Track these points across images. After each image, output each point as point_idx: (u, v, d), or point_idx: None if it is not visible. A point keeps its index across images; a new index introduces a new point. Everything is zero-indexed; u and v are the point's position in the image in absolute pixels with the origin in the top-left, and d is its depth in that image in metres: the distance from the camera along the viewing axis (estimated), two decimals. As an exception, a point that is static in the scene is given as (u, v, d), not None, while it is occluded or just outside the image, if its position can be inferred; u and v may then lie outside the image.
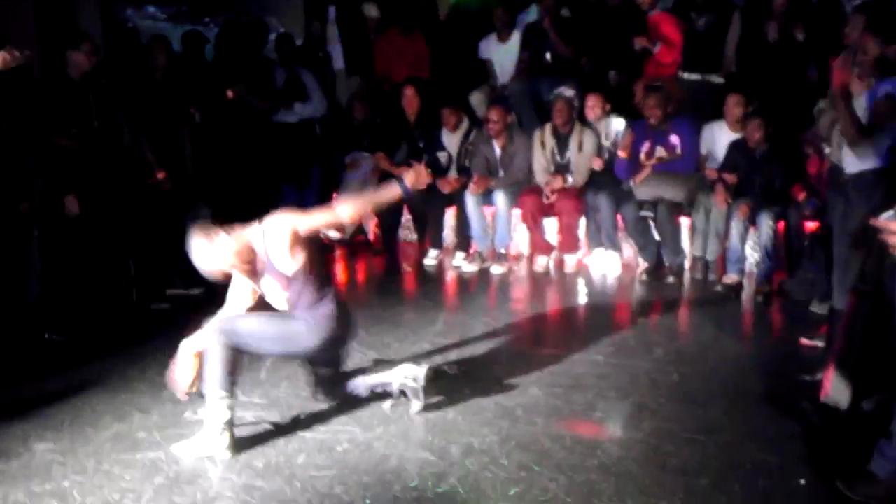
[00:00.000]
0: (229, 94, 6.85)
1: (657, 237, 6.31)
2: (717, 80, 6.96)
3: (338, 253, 7.36)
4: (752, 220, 5.85)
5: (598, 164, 6.53)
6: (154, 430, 3.63)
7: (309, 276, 3.50)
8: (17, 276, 4.94)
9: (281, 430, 3.59)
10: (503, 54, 7.67)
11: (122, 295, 5.80)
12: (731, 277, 5.91)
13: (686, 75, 7.02)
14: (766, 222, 5.74)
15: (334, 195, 7.61)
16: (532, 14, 7.70)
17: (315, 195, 7.63)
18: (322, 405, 3.82)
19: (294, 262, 3.45)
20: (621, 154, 6.41)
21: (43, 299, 5.07)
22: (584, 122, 6.69)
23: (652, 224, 6.28)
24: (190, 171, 6.49)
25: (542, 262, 6.59)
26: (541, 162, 6.73)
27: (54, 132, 5.21)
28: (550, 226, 6.74)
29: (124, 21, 8.37)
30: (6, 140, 4.76)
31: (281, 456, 3.35)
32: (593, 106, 6.66)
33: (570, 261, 6.60)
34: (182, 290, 5.87)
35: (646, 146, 6.38)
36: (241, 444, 3.40)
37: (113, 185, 5.55)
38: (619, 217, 6.48)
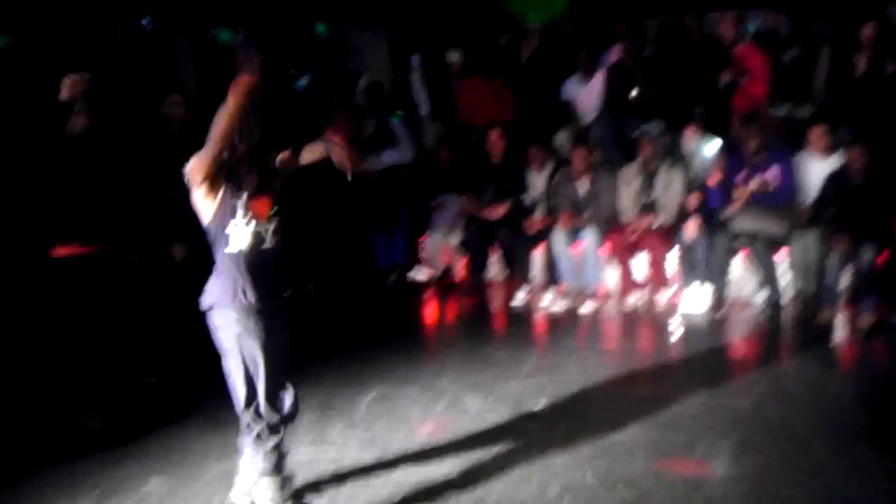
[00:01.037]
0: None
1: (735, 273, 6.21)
2: (803, 114, 6.84)
3: (427, 294, 7.45)
4: (852, 253, 5.69)
5: (693, 203, 6.45)
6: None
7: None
8: (124, 324, 5.16)
9: (380, 468, 3.64)
10: (586, 94, 7.72)
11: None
12: (828, 313, 5.74)
13: (773, 109, 6.93)
14: (867, 254, 5.57)
15: (422, 239, 7.76)
16: (615, 53, 7.74)
17: (403, 239, 7.79)
18: (419, 442, 3.87)
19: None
20: (713, 182, 6.33)
21: (148, 344, 5.29)
22: (672, 160, 6.66)
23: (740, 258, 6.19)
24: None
25: (631, 300, 6.53)
26: (626, 201, 6.71)
27: (162, 182, 5.45)
28: (640, 262, 6.69)
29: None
30: (115, 190, 5.00)
31: (378, 497, 3.40)
32: (691, 138, 6.63)
33: (661, 297, 6.53)
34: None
35: (742, 175, 6.28)
36: (339, 483, 3.46)
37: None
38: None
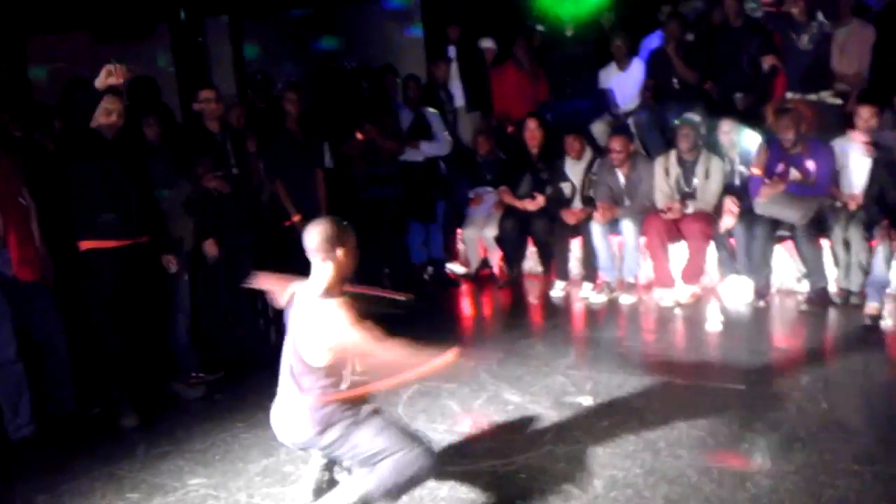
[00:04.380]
0: (359, 136, 7.08)
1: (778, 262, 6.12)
2: (834, 100, 6.71)
3: (463, 287, 7.44)
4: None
5: (732, 198, 6.33)
6: (300, 464, 3.74)
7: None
8: (166, 319, 5.22)
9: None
10: (623, 83, 7.64)
11: (262, 334, 6.03)
12: (873, 306, 5.58)
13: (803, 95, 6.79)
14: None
15: (458, 230, 7.74)
16: (656, 40, 7.64)
17: (440, 230, 7.77)
18: (460, 436, 3.85)
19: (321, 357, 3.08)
20: (756, 172, 6.22)
21: (191, 340, 5.33)
22: (712, 149, 6.55)
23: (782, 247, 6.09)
24: (323, 214, 6.72)
25: (666, 294, 6.42)
26: (663, 189, 6.62)
27: (203, 176, 5.48)
28: (678, 252, 6.59)
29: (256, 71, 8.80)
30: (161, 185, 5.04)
31: (424, 489, 3.38)
32: (728, 131, 6.50)
33: (701, 288, 6.44)
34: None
35: (780, 168, 6.17)
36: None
37: (252, 230, 5.79)
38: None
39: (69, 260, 4.67)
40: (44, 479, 3.84)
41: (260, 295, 5.98)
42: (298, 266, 5.95)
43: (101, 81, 4.13)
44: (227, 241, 5.56)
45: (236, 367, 5.36)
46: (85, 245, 4.54)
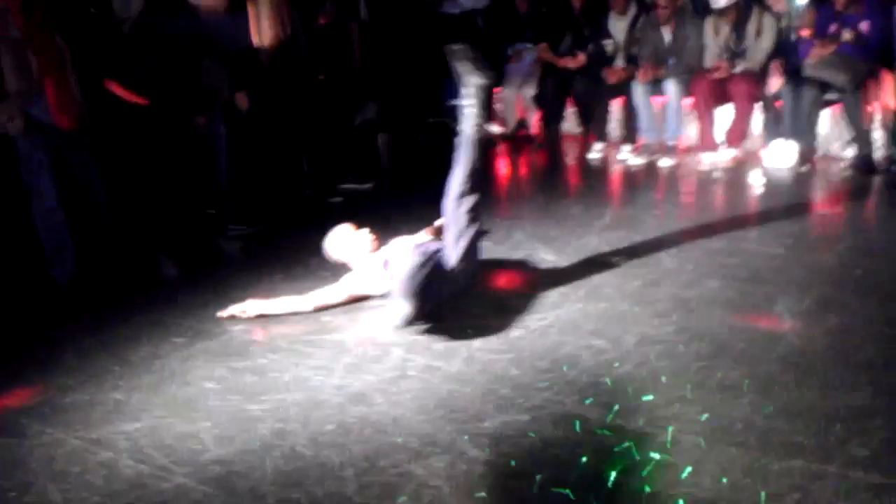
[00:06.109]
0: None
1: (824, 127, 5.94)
2: None
3: (500, 147, 7.37)
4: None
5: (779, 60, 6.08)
6: (340, 314, 3.84)
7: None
8: (206, 172, 5.26)
9: (455, 316, 3.70)
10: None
11: (297, 189, 6.07)
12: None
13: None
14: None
15: (496, 89, 7.59)
16: None
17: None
18: (494, 294, 3.91)
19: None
20: (804, 33, 5.97)
21: (228, 194, 5.39)
22: (764, 6, 6.26)
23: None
24: (358, 68, 6.61)
25: (709, 157, 6.31)
26: (712, 49, 6.39)
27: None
28: (724, 115, 6.43)
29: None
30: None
31: (458, 340, 3.47)
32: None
33: (745, 151, 6.32)
34: (354, 184, 6.08)
35: (832, 28, 5.91)
36: (418, 328, 3.54)
37: (287, 85, 5.73)
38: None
39: (106, 107, 4.69)
40: (90, 323, 3.98)
41: (300, 150, 6.05)
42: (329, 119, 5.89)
43: None
44: (261, 93, 5.51)
45: (275, 221, 5.44)
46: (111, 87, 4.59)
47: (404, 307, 3.40)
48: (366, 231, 4.05)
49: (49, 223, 4.42)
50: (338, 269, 4.10)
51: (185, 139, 4.97)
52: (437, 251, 3.78)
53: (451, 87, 7.55)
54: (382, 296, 3.80)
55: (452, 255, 3.79)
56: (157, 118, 4.72)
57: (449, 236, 3.83)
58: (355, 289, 3.93)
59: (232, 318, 3.83)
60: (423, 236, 4.10)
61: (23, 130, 4.23)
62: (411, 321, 3.44)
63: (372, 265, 3.89)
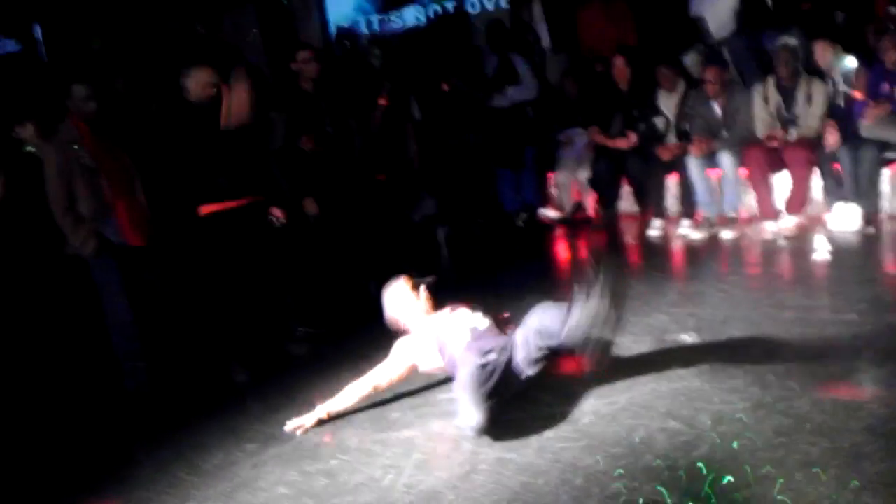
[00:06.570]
0: (444, 87, 7.05)
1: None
2: None
3: (558, 231, 7.38)
4: None
5: (833, 124, 6.03)
6: (407, 410, 3.84)
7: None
8: (271, 277, 5.37)
9: (522, 405, 3.66)
10: (716, 9, 7.33)
11: (361, 289, 6.14)
12: None
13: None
14: None
15: (549, 175, 7.66)
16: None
17: (531, 176, 7.71)
18: (563, 379, 3.86)
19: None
20: (857, 95, 5.92)
21: (293, 296, 5.48)
22: (812, 72, 6.25)
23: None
24: (416, 167, 6.75)
25: (771, 226, 6.21)
26: (763, 118, 6.37)
27: (297, 136, 5.59)
28: (781, 183, 6.35)
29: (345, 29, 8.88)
30: (254, 146, 5.17)
31: (528, 430, 3.42)
32: (823, 53, 6.18)
33: (807, 217, 6.20)
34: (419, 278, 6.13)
35: (884, 88, 5.86)
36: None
37: (347, 187, 5.88)
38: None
39: (183, 225, 4.87)
40: (163, 433, 4.05)
41: (363, 248, 6.15)
42: (385, 220, 6.01)
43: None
44: (324, 198, 5.66)
45: (341, 322, 5.50)
46: (205, 210, 4.75)
47: (473, 415, 3.33)
48: (422, 289, 4.04)
49: (123, 337, 4.56)
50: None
51: (263, 240, 5.11)
52: (501, 358, 3.58)
53: (503, 178, 7.67)
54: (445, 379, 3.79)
55: (524, 370, 3.65)
56: (240, 221, 4.87)
57: (519, 355, 3.66)
58: (409, 358, 3.88)
59: (299, 428, 3.83)
60: (481, 320, 3.94)
61: (96, 252, 4.42)
62: (483, 429, 3.35)
63: (426, 338, 3.85)
